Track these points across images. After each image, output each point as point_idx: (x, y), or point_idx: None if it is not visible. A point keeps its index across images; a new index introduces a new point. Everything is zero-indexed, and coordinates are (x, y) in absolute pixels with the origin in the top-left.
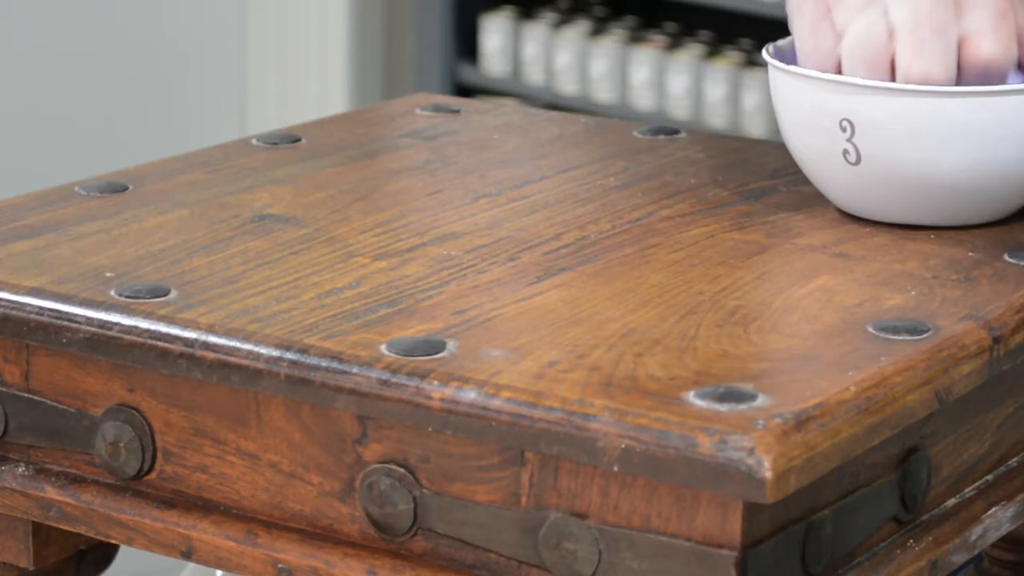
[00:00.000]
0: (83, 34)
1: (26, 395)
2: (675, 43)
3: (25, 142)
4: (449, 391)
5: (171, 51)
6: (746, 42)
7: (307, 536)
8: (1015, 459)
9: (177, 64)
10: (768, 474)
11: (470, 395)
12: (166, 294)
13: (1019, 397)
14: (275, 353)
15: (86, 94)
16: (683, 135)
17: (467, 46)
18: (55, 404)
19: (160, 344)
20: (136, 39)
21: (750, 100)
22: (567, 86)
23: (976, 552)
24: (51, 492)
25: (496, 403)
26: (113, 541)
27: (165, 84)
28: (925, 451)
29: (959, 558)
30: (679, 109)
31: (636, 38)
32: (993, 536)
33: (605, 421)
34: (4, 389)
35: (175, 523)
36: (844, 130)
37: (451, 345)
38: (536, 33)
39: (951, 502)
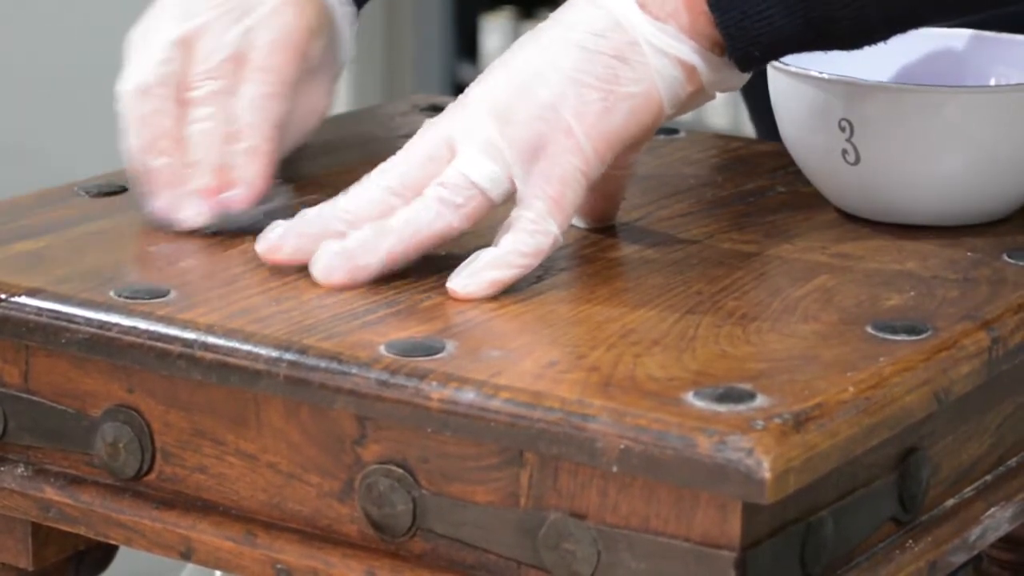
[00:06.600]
0: (83, 33)
1: (25, 396)
2: None
3: (26, 142)
4: (448, 392)
5: None
6: None
7: (306, 537)
8: (1014, 459)
9: None
10: (767, 474)
11: (469, 396)
12: (165, 295)
13: (1018, 397)
14: (274, 354)
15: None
16: (682, 135)
17: (467, 46)
18: (54, 405)
19: (159, 345)
20: None
21: None
22: None
23: (975, 552)
24: (50, 493)
25: (495, 404)
26: (112, 542)
27: None
28: (924, 451)
29: (958, 558)
30: None
31: None
32: (992, 536)
33: (604, 422)
34: (3, 390)
35: (174, 523)
36: (843, 130)
37: (450, 346)
38: None
39: (950, 502)
